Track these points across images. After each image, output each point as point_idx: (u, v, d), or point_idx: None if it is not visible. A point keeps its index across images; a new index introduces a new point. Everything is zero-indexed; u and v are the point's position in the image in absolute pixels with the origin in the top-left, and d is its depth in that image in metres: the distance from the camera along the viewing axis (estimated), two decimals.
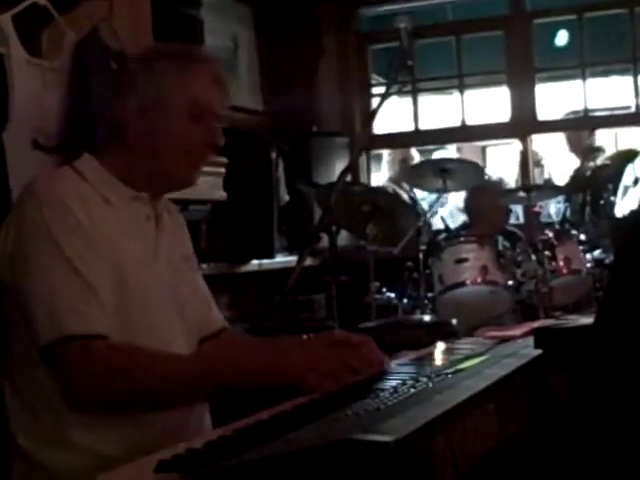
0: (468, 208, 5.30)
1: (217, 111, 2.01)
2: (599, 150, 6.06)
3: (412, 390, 1.66)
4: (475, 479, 1.48)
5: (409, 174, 5.05)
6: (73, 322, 1.76)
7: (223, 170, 4.10)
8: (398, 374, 1.96)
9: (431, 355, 2.31)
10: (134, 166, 1.97)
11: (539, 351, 2.06)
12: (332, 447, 1.24)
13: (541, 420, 1.87)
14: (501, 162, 8.13)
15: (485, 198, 5.03)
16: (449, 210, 6.57)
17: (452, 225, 5.43)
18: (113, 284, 1.85)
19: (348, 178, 5.85)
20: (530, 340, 2.17)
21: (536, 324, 2.72)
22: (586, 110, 5.99)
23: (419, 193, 6.21)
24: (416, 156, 6.74)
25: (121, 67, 2.15)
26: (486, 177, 5.48)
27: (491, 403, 1.65)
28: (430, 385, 1.70)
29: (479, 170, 5.05)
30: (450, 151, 7.03)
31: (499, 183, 5.90)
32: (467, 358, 2.05)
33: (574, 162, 6.23)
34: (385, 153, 6.66)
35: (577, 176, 5.90)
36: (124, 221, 1.95)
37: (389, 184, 6.30)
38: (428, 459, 1.33)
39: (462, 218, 5.71)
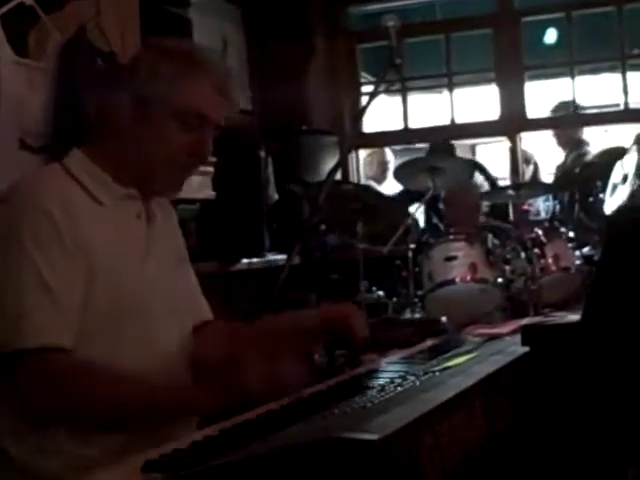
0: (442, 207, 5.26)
1: (215, 121, 1.95)
2: (585, 143, 6.09)
3: (399, 388, 1.67)
4: (462, 475, 1.49)
5: (397, 172, 5.02)
6: (29, 335, 1.73)
7: (212, 169, 4.11)
8: (386, 372, 1.96)
9: (420, 353, 2.32)
10: (122, 165, 1.94)
11: (526, 348, 2.06)
12: (319, 445, 1.25)
13: (528, 417, 1.88)
14: (491, 160, 8.14)
15: (456, 197, 5.02)
16: None
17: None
18: (99, 288, 1.83)
19: (337, 176, 5.88)
20: (518, 337, 2.17)
21: (524, 321, 2.73)
22: (575, 107, 6.01)
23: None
24: (391, 159, 6.78)
25: (118, 63, 2.09)
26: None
27: (478, 400, 1.66)
28: (417, 383, 1.71)
29: (469, 167, 5.05)
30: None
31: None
32: (455, 356, 2.06)
33: (560, 157, 6.25)
34: (362, 153, 6.70)
35: (564, 172, 5.92)
36: (113, 222, 1.92)
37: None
38: (414, 456, 1.34)
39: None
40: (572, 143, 6.05)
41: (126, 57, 3.15)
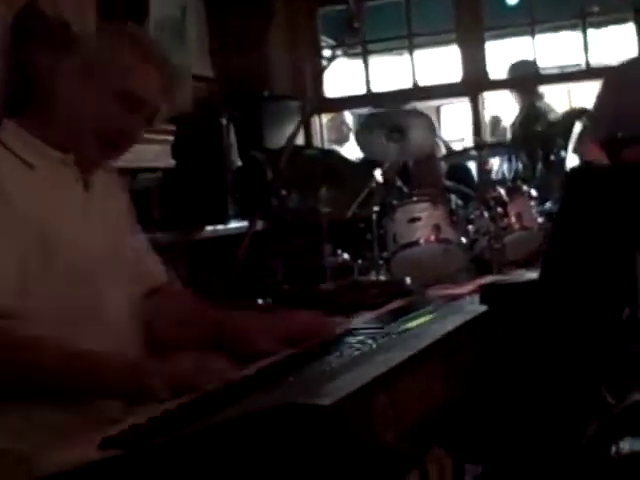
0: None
1: (153, 110, 1.97)
2: (541, 96, 6.09)
3: (356, 352, 1.67)
4: (418, 437, 1.50)
5: (359, 132, 4.99)
6: None
7: (171, 138, 4.08)
8: (349, 337, 1.96)
9: (384, 315, 2.31)
10: (49, 127, 1.92)
11: (485, 307, 2.07)
12: (272, 412, 1.25)
13: (486, 375, 1.89)
14: (456, 121, 8.17)
15: (422, 162, 5.03)
16: None
17: None
18: (34, 253, 1.80)
19: (301, 141, 5.87)
20: (477, 297, 2.18)
21: (483, 281, 2.75)
22: (534, 67, 6.03)
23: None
24: (350, 121, 6.77)
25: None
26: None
27: (435, 360, 1.66)
28: (374, 346, 1.71)
29: (432, 126, 5.03)
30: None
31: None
32: (415, 317, 2.06)
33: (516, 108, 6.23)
34: (325, 118, 6.69)
35: (523, 129, 5.91)
36: (48, 187, 1.90)
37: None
38: (368, 420, 1.34)
39: None
40: (527, 100, 6.03)
41: (81, 26, 3.11)
